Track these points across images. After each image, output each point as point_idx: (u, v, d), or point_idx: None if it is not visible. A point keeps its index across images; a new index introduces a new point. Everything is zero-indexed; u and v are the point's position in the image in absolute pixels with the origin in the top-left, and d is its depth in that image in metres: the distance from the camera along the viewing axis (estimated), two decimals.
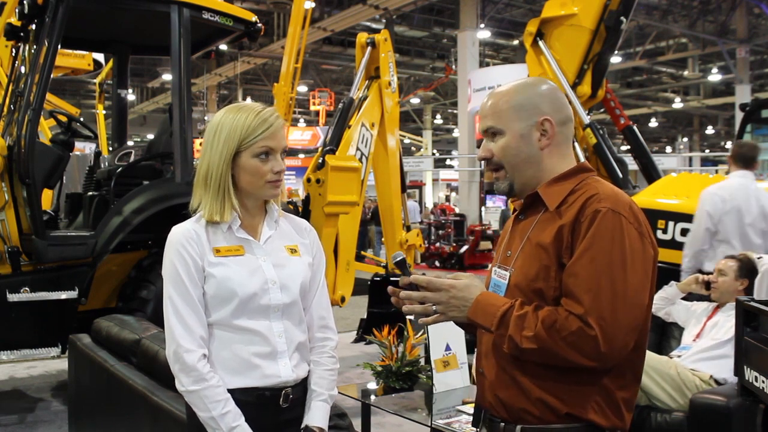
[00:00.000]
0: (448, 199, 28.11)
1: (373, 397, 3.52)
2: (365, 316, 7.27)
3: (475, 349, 1.84)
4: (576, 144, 6.33)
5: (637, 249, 1.59)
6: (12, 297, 4.58)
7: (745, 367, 3.03)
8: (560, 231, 1.62)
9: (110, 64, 7.55)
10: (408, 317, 2.66)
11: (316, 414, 1.96)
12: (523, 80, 1.81)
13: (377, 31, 7.77)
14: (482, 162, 1.80)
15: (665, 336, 4.23)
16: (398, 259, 1.79)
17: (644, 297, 1.60)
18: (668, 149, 37.52)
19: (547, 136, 1.72)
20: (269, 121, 1.89)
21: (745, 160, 5.02)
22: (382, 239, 7.61)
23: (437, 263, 15.56)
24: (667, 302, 4.10)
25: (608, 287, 1.54)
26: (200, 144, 2.24)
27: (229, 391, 1.86)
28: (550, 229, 1.65)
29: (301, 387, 1.97)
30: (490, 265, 1.89)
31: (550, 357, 1.57)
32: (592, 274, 1.55)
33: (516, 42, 23.48)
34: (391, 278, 7.17)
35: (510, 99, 1.74)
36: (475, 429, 1.82)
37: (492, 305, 1.64)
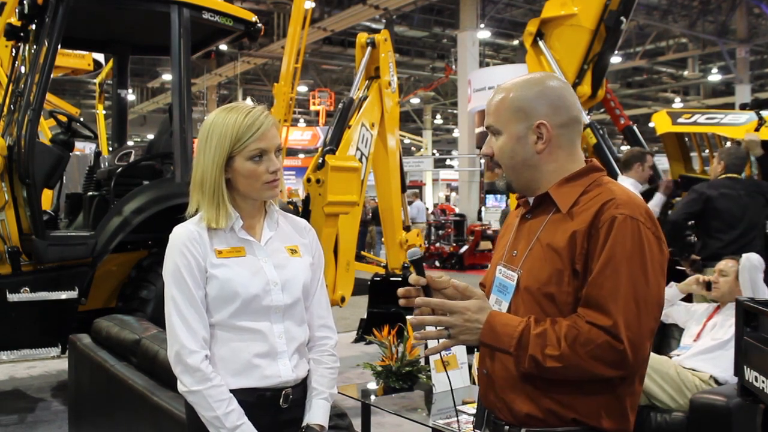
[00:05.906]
0: (448, 199, 28.09)
1: (373, 397, 3.52)
2: (365, 316, 7.28)
3: (475, 350, 1.82)
4: None
5: (655, 254, 1.57)
6: (12, 297, 4.58)
7: (745, 367, 3.02)
8: (573, 236, 1.59)
9: (110, 64, 7.55)
10: (408, 318, 2.65)
11: (317, 412, 1.96)
12: (528, 77, 1.73)
13: (377, 31, 7.77)
14: (482, 159, 1.78)
15: (665, 336, 4.23)
16: (416, 257, 1.69)
17: (662, 300, 1.60)
18: None
19: (543, 140, 1.67)
20: (259, 121, 1.87)
21: (624, 165, 5.43)
22: (383, 239, 7.62)
23: (437, 263, 15.57)
24: (667, 303, 4.09)
25: (632, 297, 1.52)
26: None
27: (230, 391, 1.86)
28: (562, 231, 1.62)
29: (301, 387, 1.97)
30: (490, 264, 1.87)
31: (573, 373, 1.54)
32: (617, 285, 1.52)
33: (516, 42, 23.47)
34: (391, 278, 7.17)
35: (510, 99, 1.69)
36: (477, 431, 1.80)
37: (506, 325, 1.58)
